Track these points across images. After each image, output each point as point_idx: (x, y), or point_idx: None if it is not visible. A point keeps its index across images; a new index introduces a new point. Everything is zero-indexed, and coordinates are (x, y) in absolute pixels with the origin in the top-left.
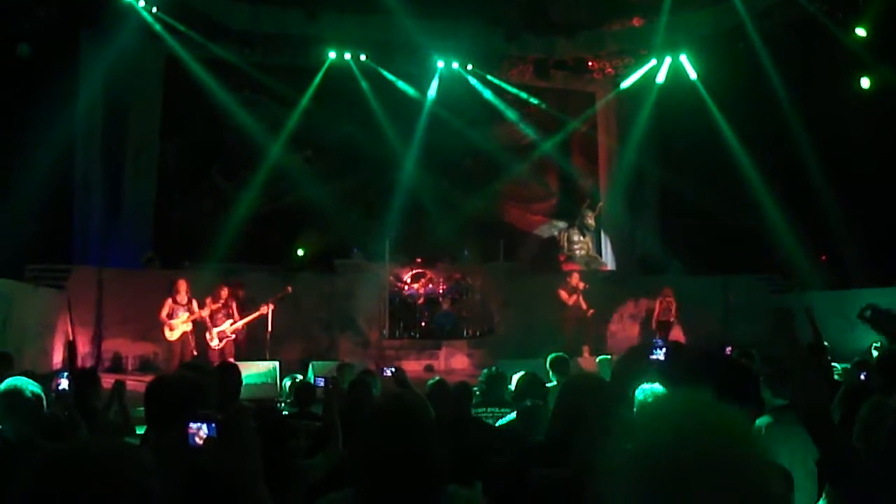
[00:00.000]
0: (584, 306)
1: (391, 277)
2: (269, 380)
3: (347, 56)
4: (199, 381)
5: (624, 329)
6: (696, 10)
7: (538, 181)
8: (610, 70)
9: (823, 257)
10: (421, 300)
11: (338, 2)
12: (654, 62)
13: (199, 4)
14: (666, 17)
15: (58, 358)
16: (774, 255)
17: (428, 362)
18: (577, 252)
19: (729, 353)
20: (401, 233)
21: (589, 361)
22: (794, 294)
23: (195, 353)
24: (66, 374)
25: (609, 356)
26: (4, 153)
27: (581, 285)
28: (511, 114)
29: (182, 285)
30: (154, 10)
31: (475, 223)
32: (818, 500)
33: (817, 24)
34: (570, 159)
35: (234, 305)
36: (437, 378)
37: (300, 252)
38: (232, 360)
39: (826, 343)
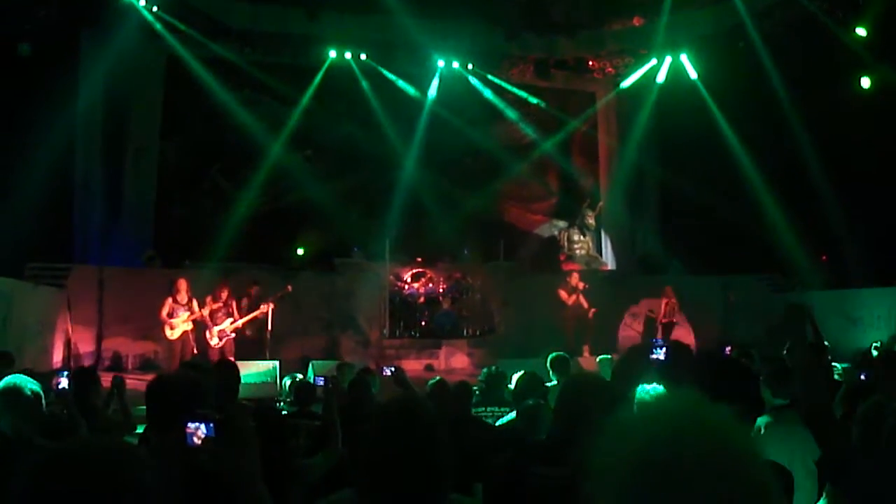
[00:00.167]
0: (585, 305)
1: (391, 277)
2: (270, 379)
3: (348, 55)
4: (200, 380)
5: (624, 328)
6: (696, 10)
7: (538, 181)
8: (610, 69)
9: (824, 257)
10: (421, 299)
11: (338, 1)
12: (654, 62)
13: (200, 4)
14: (666, 17)
15: (58, 356)
16: (774, 254)
17: (428, 362)
18: (578, 251)
19: (728, 352)
20: (401, 232)
21: (589, 361)
22: (794, 293)
23: (195, 351)
24: (65, 372)
25: (609, 356)
26: (5, 152)
27: (581, 285)
28: (511, 113)
29: (182, 284)
30: (154, 9)
31: (475, 223)
32: (818, 499)
33: (817, 23)
34: (570, 159)
35: (234, 304)
36: (437, 378)
37: (300, 251)
38: (232, 358)
39: (826, 343)
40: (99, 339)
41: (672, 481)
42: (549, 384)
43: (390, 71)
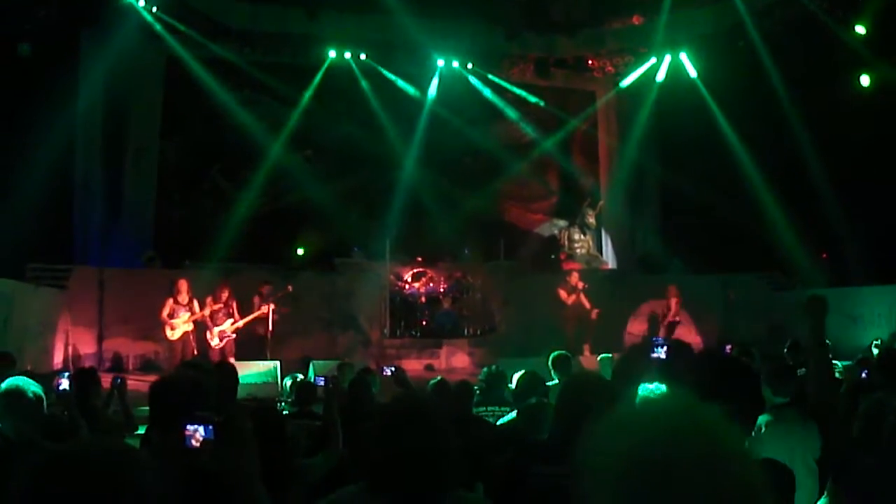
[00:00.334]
0: (587, 305)
1: (392, 276)
2: (270, 379)
3: (347, 55)
4: (202, 381)
5: (625, 327)
6: (696, 9)
7: (539, 180)
8: (610, 68)
9: (824, 255)
10: (422, 299)
11: (338, 1)
12: (654, 60)
13: (199, 4)
14: (666, 16)
15: (58, 357)
16: (775, 252)
17: (429, 361)
18: (578, 251)
19: (729, 351)
20: (401, 232)
21: (590, 360)
22: (794, 292)
23: (196, 352)
24: (66, 373)
25: (610, 355)
26: (5, 153)
27: (580, 284)
28: (511, 112)
29: (183, 285)
30: (154, 9)
31: (476, 222)
32: (819, 497)
33: (817, 21)
34: (570, 158)
35: (234, 305)
36: (438, 378)
37: (300, 251)
38: (232, 359)
39: (827, 341)
40: (100, 340)
41: (665, 481)
42: (550, 383)
43: (390, 71)
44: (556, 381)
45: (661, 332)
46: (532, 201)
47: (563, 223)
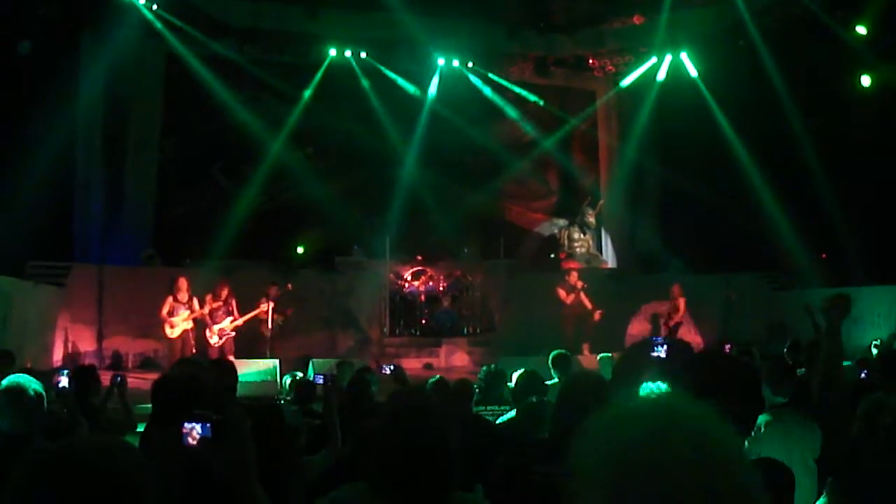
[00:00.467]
0: (589, 305)
1: (391, 275)
2: (270, 377)
3: (348, 53)
4: (205, 379)
5: (624, 327)
6: (696, 8)
7: (538, 179)
8: (610, 68)
9: (823, 255)
10: (421, 298)
11: None
12: (654, 60)
13: (200, 2)
14: (666, 15)
15: (58, 355)
16: (775, 252)
17: (428, 360)
18: (578, 250)
19: (728, 350)
20: (401, 230)
21: (589, 359)
22: (794, 291)
23: (195, 350)
24: (66, 371)
25: (610, 354)
26: (5, 151)
27: (579, 284)
28: (511, 111)
29: (183, 283)
30: (154, 7)
31: (475, 221)
32: (818, 497)
33: (818, 21)
34: (570, 157)
35: (233, 303)
36: (437, 377)
37: (300, 249)
38: (232, 357)
39: None
40: (99, 338)
41: (654, 480)
42: (550, 382)
43: (390, 69)
44: (556, 379)
45: (666, 332)
46: (532, 200)
47: (562, 222)
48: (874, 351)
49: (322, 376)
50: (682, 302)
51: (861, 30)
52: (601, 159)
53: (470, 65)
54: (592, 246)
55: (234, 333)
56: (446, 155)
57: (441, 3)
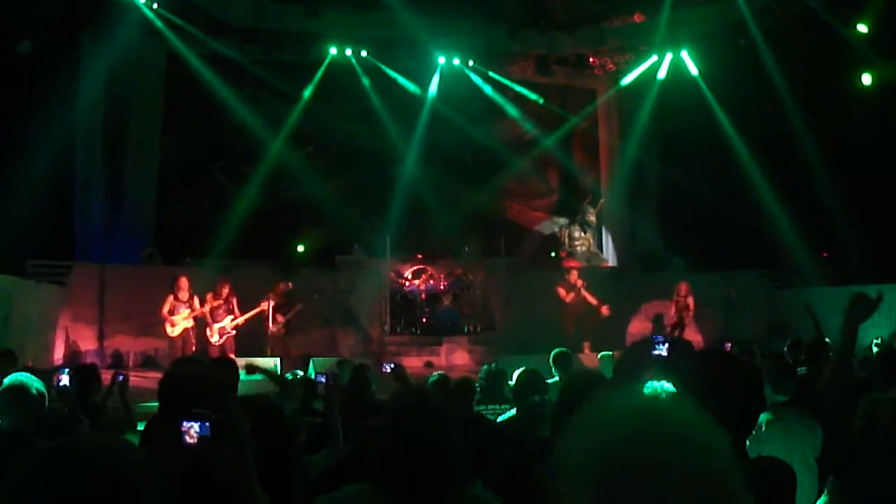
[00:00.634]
0: (594, 301)
1: (392, 273)
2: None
3: (348, 52)
4: (210, 377)
5: (625, 325)
6: (697, 6)
7: (539, 177)
8: (611, 66)
9: (824, 253)
10: (422, 296)
11: None
12: (655, 58)
13: (200, 1)
14: (667, 13)
15: (59, 354)
16: (775, 251)
17: (429, 359)
18: (578, 248)
19: (728, 349)
20: (402, 229)
21: (590, 358)
22: (794, 290)
23: (196, 349)
24: (66, 369)
25: (610, 352)
26: (6, 150)
27: (579, 282)
28: (512, 110)
29: (184, 282)
30: (155, 6)
31: (476, 219)
32: (819, 496)
33: (818, 19)
34: (571, 155)
35: (234, 302)
36: (437, 375)
37: (301, 248)
38: (232, 355)
39: (827, 339)
40: (100, 337)
41: (638, 480)
42: (551, 381)
43: (391, 68)
44: (557, 378)
45: (672, 331)
46: (532, 199)
47: (563, 221)
48: (875, 350)
49: (324, 375)
50: (691, 301)
51: (862, 28)
52: (602, 158)
53: (470, 63)
54: (593, 244)
55: (234, 332)
56: (447, 153)
57: (441, 2)
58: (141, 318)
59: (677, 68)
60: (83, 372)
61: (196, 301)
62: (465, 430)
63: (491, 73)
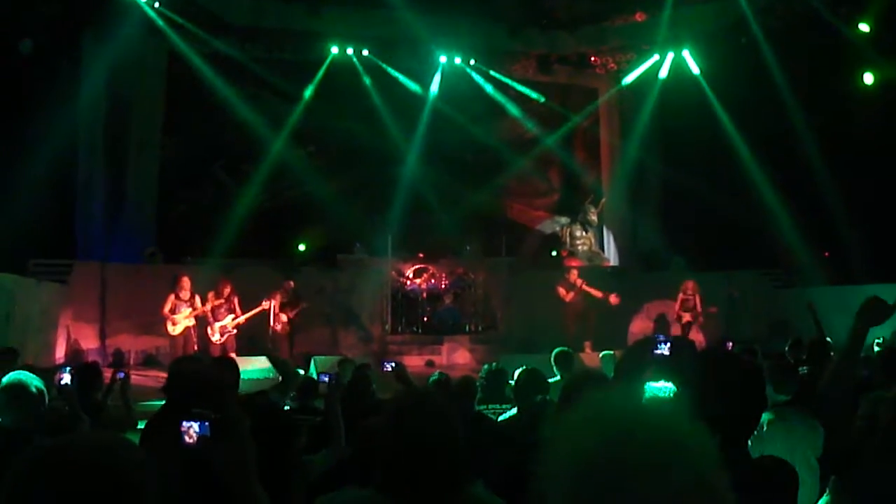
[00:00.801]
0: (599, 294)
1: (393, 272)
2: (272, 375)
3: (350, 51)
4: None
5: (626, 324)
6: (698, 5)
7: (540, 177)
8: (612, 65)
9: (826, 253)
10: (423, 295)
11: None
12: (656, 57)
13: (202, 0)
14: (668, 12)
15: (60, 352)
16: (776, 250)
17: (430, 358)
18: (580, 248)
19: (730, 348)
20: (403, 228)
21: (591, 357)
22: (796, 289)
23: (197, 348)
24: (68, 368)
25: (612, 352)
26: (7, 149)
27: (578, 281)
28: (514, 109)
29: (186, 282)
30: (156, 5)
31: (477, 218)
32: (821, 496)
33: (820, 19)
34: (572, 155)
35: (235, 301)
36: (437, 374)
37: (302, 247)
38: (233, 354)
39: (829, 339)
40: (101, 336)
41: (612, 485)
42: (552, 380)
43: (392, 67)
44: (559, 377)
45: (685, 331)
46: (534, 198)
47: (564, 220)
48: (876, 349)
49: (326, 376)
50: (698, 299)
51: (864, 27)
52: (603, 157)
53: (472, 62)
54: (594, 244)
55: (235, 331)
56: (448, 152)
57: (443, 1)
58: (142, 316)
59: (679, 67)
60: (85, 370)
61: (197, 300)
62: (466, 429)
63: (492, 72)
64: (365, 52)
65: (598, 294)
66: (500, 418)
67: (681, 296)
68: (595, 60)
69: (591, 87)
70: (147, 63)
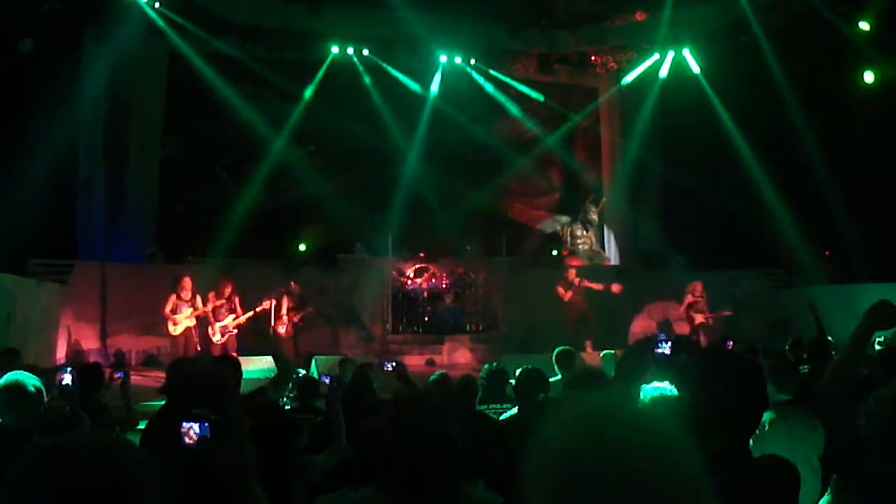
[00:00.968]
0: (600, 287)
1: (394, 272)
2: (273, 375)
3: (350, 51)
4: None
5: (627, 323)
6: (698, 5)
7: (541, 176)
8: (613, 65)
9: (826, 252)
10: (424, 295)
11: None
12: (656, 56)
13: (202, 0)
14: (669, 12)
15: (61, 352)
16: (777, 249)
17: (431, 357)
18: (580, 247)
19: (731, 347)
20: (404, 228)
21: (592, 356)
22: (796, 289)
23: (198, 347)
24: (68, 368)
25: (613, 351)
26: (7, 149)
27: (577, 281)
28: (514, 108)
29: (187, 282)
30: (156, 5)
31: (478, 218)
32: (822, 495)
33: (820, 17)
34: (573, 154)
35: (236, 301)
36: (438, 373)
37: (303, 247)
38: (234, 354)
39: (829, 338)
40: (102, 336)
41: (594, 486)
42: (553, 379)
43: (392, 66)
44: (560, 376)
45: (696, 333)
46: (534, 197)
47: (565, 219)
48: (877, 348)
49: (328, 376)
50: (701, 300)
51: (864, 26)
52: (603, 156)
53: (472, 62)
54: (595, 243)
55: (236, 331)
56: (448, 152)
57: (443, 1)
58: (143, 316)
59: (679, 66)
60: (87, 371)
61: (198, 300)
62: (467, 429)
63: (492, 72)
64: (365, 52)
65: (598, 287)
66: (501, 418)
67: (689, 297)
68: (595, 60)
69: (591, 87)
70: (147, 63)
